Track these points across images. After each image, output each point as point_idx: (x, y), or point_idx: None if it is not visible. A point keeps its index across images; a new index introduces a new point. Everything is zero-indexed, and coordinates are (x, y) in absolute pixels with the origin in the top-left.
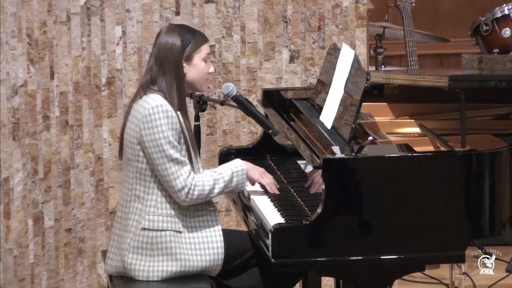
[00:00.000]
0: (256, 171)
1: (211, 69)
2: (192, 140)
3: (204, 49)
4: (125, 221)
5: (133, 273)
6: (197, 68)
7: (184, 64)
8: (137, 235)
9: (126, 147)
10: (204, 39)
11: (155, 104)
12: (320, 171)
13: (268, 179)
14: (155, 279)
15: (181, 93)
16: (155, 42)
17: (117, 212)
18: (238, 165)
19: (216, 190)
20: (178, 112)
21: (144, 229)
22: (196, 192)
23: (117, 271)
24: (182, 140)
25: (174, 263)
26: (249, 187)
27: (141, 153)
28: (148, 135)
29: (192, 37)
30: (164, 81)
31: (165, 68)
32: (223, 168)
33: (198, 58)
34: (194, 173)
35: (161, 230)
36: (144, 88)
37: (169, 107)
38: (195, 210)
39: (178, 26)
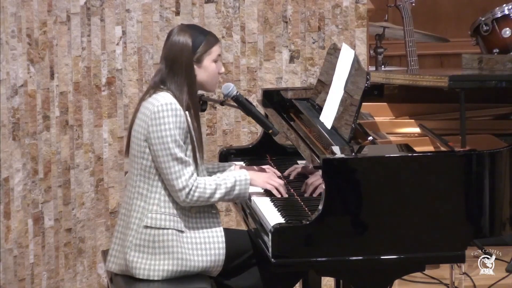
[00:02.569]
0: (261, 179)
1: (222, 70)
2: (199, 141)
3: (215, 51)
4: (128, 219)
5: (134, 271)
6: (207, 69)
7: (195, 66)
8: (139, 233)
9: (132, 144)
10: (215, 40)
11: (164, 101)
12: (315, 174)
13: (273, 184)
14: (156, 278)
15: (192, 95)
16: (165, 42)
17: (121, 209)
18: (242, 174)
19: (217, 195)
20: (186, 112)
21: (146, 227)
22: (196, 194)
23: (120, 269)
24: (188, 140)
25: (175, 262)
26: (250, 188)
27: (146, 150)
28: (155, 132)
29: (203, 38)
30: (174, 82)
31: (175, 70)
32: (227, 175)
33: (208, 60)
34: (198, 175)
35: (163, 228)
36: (154, 88)
37: (178, 106)
38: (197, 212)
39: (189, 27)
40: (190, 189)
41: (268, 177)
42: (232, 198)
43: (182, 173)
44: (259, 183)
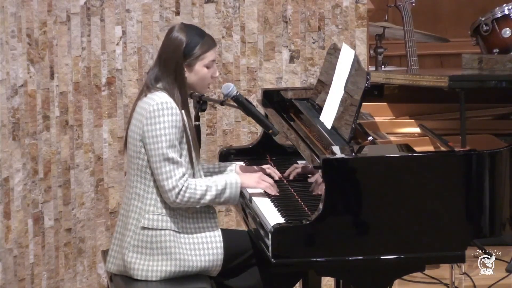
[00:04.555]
0: (251, 180)
1: (216, 74)
2: (194, 140)
3: (209, 56)
4: (126, 219)
5: (132, 272)
6: (198, 74)
7: (185, 69)
8: (137, 234)
9: (129, 144)
10: (211, 46)
11: (160, 101)
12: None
13: (265, 183)
14: (154, 279)
15: (182, 94)
16: (164, 39)
17: (120, 210)
18: (233, 178)
19: (208, 197)
20: (183, 111)
21: (143, 228)
22: (187, 195)
23: (119, 269)
24: (184, 140)
25: (173, 263)
26: (250, 189)
27: (142, 150)
28: (150, 131)
29: (199, 41)
30: (166, 81)
31: (167, 69)
32: (218, 177)
33: (200, 65)
34: (195, 174)
35: (160, 229)
36: (149, 86)
37: (174, 105)
38: (194, 212)
39: (188, 27)
40: (180, 189)
41: (259, 177)
42: (222, 201)
43: (173, 173)
44: (251, 184)
